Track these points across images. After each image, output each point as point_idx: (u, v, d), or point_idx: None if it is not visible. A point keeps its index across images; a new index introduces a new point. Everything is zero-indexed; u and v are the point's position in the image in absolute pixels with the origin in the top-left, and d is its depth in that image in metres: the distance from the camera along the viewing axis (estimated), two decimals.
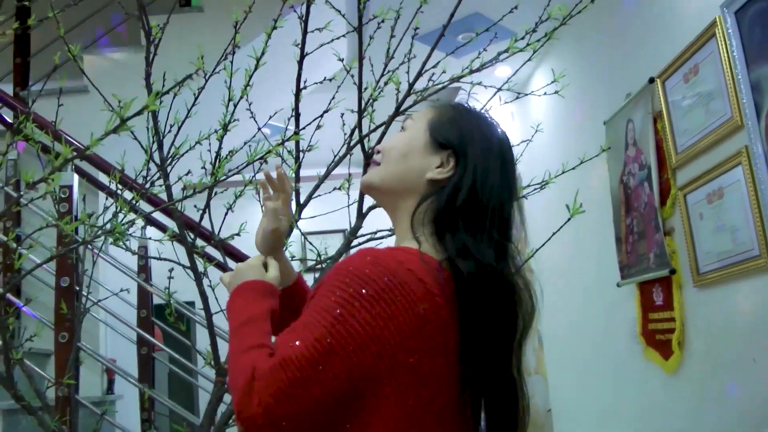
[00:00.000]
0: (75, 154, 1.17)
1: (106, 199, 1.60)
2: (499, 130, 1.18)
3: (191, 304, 2.95)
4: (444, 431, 1.02)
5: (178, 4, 3.58)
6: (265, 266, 1.31)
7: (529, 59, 1.87)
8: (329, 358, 0.92)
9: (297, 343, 0.94)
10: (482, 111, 1.23)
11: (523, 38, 1.75)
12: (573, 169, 1.91)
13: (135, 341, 2.78)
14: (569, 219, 1.41)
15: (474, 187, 1.09)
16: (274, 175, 1.32)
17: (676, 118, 2.51)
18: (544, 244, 1.57)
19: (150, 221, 2.79)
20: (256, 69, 1.63)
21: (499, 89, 1.94)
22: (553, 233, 1.54)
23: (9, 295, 2.20)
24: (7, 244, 1.37)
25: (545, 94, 1.88)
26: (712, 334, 2.38)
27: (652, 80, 2.62)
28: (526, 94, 1.92)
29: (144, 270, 2.83)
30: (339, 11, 1.69)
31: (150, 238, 1.92)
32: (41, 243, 2.60)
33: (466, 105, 1.24)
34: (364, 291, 0.96)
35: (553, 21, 1.82)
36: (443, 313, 0.99)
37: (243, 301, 1.16)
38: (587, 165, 1.89)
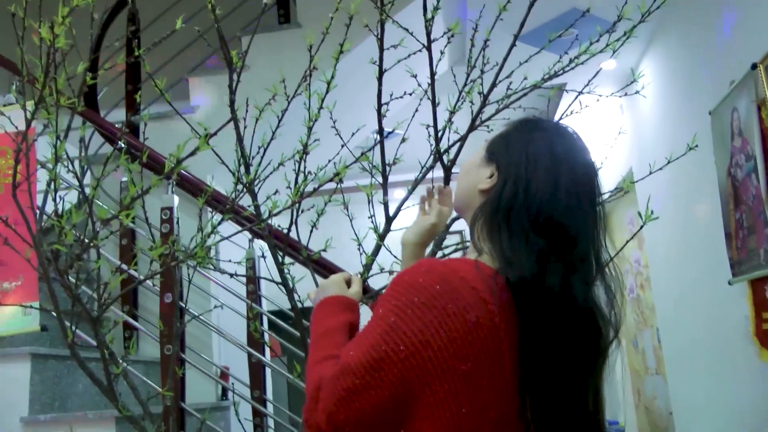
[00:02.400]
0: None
1: (199, 218, 1.70)
2: (564, 144, 1.16)
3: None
4: None
5: (277, 21, 3.71)
6: (348, 283, 1.38)
7: (612, 56, 1.82)
8: (384, 364, 0.97)
9: (355, 351, 0.99)
10: (554, 126, 1.21)
11: (598, 41, 1.71)
12: (660, 169, 1.85)
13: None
14: (641, 227, 1.37)
15: (515, 198, 1.10)
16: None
17: None
18: (618, 253, 1.53)
19: (257, 235, 2.91)
20: (327, 92, 1.68)
21: (580, 92, 1.90)
22: (627, 242, 1.50)
23: (116, 310, 2.37)
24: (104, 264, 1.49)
25: (626, 94, 1.83)
26: None
27: (754, 66, 2.47)
28: (607, 96, 1.87)
29: (252, 281, 2.95)
30: (407, 30, 1.71)
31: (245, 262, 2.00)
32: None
33: (535, 119, 1.23)
34: (416, 299, 1.00)
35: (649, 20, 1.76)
36: (496, 320, 1.00)
37: (323, 314, 1.24)
38: (694, 157, 1.78)
